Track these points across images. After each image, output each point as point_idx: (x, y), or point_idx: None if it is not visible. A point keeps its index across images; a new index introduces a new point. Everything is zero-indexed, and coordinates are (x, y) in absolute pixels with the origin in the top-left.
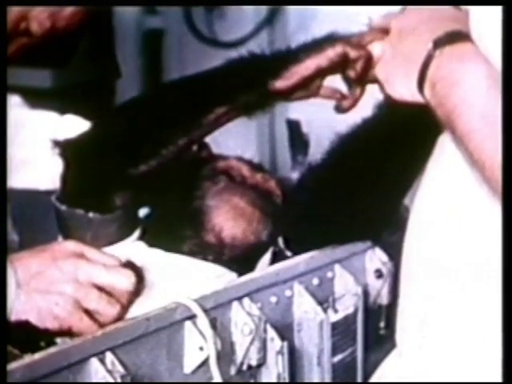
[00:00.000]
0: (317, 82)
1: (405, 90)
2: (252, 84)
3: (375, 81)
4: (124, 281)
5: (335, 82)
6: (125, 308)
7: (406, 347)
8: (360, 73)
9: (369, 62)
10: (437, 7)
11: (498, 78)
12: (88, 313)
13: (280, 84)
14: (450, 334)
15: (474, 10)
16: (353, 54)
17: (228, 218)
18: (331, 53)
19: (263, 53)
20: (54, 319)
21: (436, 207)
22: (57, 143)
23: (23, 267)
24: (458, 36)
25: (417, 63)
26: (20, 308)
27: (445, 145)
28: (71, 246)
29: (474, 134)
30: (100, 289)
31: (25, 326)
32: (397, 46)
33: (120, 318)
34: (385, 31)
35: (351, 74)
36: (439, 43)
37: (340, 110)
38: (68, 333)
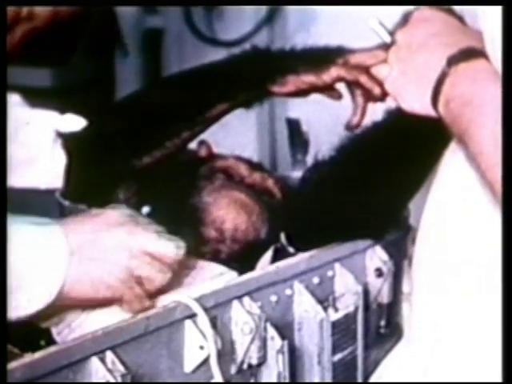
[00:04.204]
0: None
1: (418, 105)
2: (252, 84)
3: (382, 99)
4: (174, 248)
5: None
6: (175, 276)
7: (414, 339)
8: (363, 100)
9: (370, 90)
10: (444, 20)
11: None
12: (138, 281)
13: (277, 89)
14: (453, 333)
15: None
16: (349, 77)
17: (230, 210)
18: (326, 77)
19: (266, 49)
20: (107, 288)
21: (447, 207)
22: (60, 135)
23: (75, 233)
24: (472, 53)
25: (430, 79)
26: (74, 277)
27: (457, 149)
28: (125, 211)
29: (484, 157)
30: (152, 256)
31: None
32: (407, 60)
33: (169, 286)
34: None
35: (358, 100)
36: (453, 60)
37: (350, 128)
38: (118, 301)
